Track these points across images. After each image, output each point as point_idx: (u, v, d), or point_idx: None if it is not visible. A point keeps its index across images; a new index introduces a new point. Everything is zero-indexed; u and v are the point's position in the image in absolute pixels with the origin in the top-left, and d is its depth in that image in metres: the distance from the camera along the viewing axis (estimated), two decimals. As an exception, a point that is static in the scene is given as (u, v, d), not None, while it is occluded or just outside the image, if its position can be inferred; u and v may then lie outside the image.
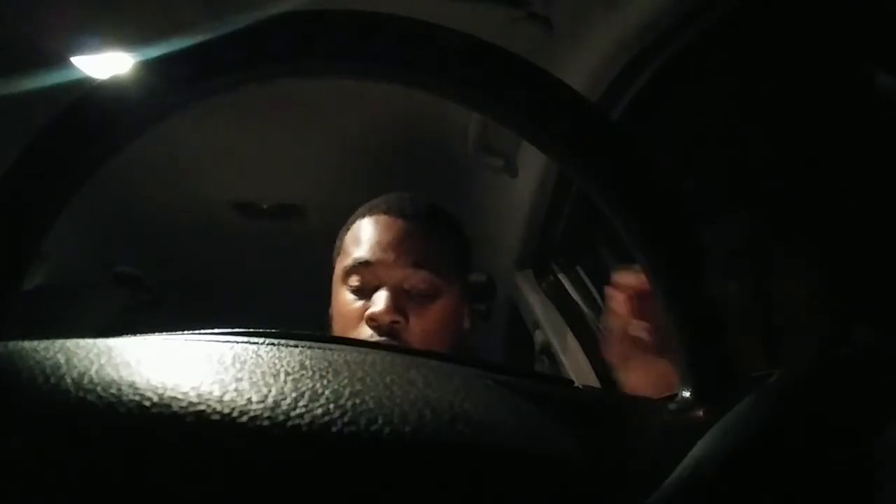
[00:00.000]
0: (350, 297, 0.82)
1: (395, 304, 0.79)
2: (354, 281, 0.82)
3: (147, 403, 0.22)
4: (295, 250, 1.47)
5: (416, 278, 0.81)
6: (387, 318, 0.78)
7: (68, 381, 0.22)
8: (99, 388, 0.22)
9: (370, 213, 0.86)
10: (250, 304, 1.66)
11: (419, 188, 0.95)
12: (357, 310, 0.81)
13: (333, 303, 0.86)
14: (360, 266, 0.81)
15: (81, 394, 0.22)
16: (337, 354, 0.30)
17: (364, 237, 0.84)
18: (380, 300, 0.79)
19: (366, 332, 0.79)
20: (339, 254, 0.88)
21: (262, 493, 0.21)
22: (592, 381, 0.96)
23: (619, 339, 0.63)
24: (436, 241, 0.85)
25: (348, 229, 0.88)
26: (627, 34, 0.85)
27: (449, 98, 0.33)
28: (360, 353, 0.31)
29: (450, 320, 0.84)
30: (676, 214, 0.31)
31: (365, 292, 0.81)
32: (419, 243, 0.83)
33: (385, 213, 0.85)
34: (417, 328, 0.80)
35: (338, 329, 0.83)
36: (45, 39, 0.97)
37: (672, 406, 0.31)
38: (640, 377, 0.62)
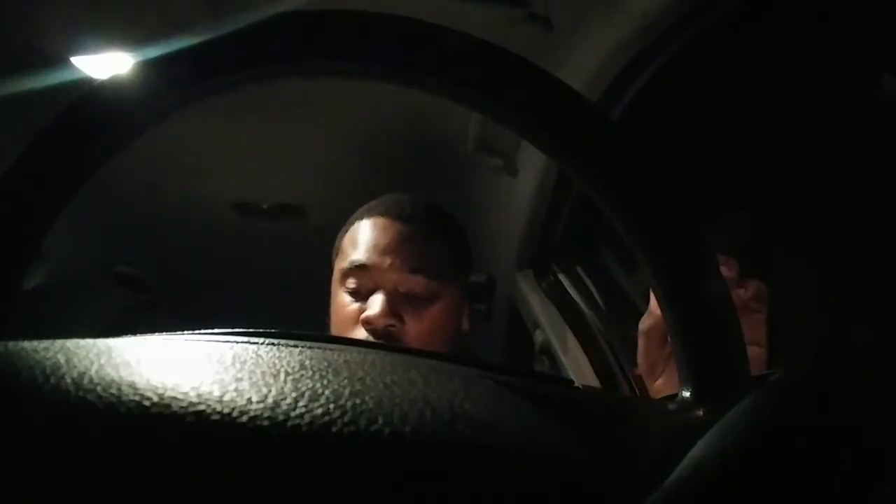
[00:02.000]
0: (347, 298, 0.82)
1: (391, 307, 0.79)
2: (351, 283, 0.82)
3: (147, 403, 0.22)
4: (295, 250, 1.47)
5: (412, 282, 0.81)
6: (381, 322, 0.78)
7: (68, 381, 0.22)
8: (99, 388, 0.22)
9: (368, 215, 0.86)
10: (250, 304, 1.66)
11: (419, 188, 0.95)
12: (353, 312, 0.81)
13: (331, 304, 0.86)
14: (357, 269, 0.82)
15: (81, 394, 0.22)
16: (337, 354, 0.30)
17: (361, 240, 0.84)
18: (375, 303, 0.79)
19: (361, 335, 0.79)
20: (337, 255, 0.88)
21: (262, 494, 0.21)
22: (592, 381, 0.96)
23: (653, 342, 0.60)
24: (434, 244, 0.84)
25: (346, 231, 0.88)
26: (627, 34, 0.85)
27: (449, 98, 0.33)
28: (360, 353, 0.31)
29: (447, 323, 0.84)
30: (676, 214, 0.31)
31: (361, 294, 0.82)
32: (416, 247, 0.82)
33: (383, 215, 0.85)
34: (414, 331, 0.80)
35: (335, 330, 0.84)
36: (45, 39, 0.97)
37: (672, 406, 0.31)
38: (670, 384, 0.58)
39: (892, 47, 0.67)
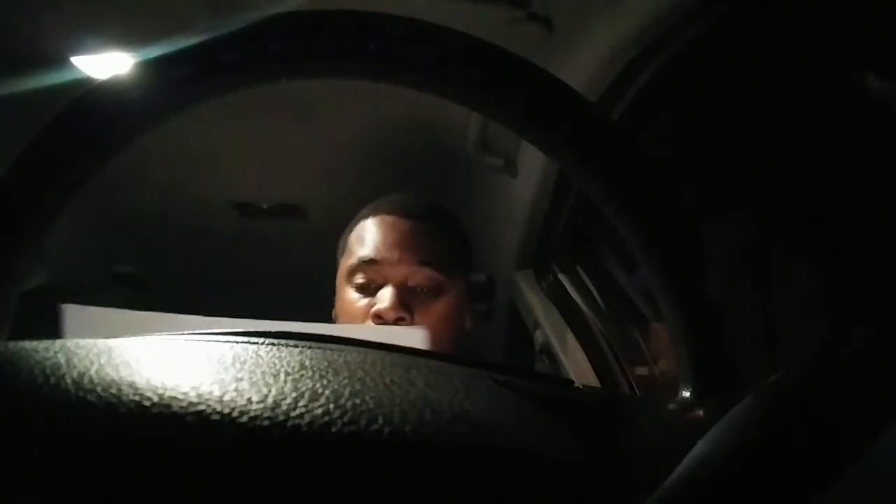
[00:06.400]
0: (355, 294, 0.84)
1: (401, 300, 0.81)
2: (359, 279, 0.83)
3: (147, 403, 0.22)
4: (295, 250, 1.47)
5: (421, 275, 0.83)
6: (392, 315, 0.79)
7: (68, 381, 0.22)
8: (99, 388, 0.22)
9: (374, 213, 0.88)
10: (250, 304, 1.66)
11: (419, 188, 0.96)
12: (362, 307, 0.82)
13: (338, 301, 0.87)
14: (365, 264, 0.83)
15: (81, 394, 0.22)
16: (337, 354, 0.30)
17: (368, 236, 0.86)
18: (385, 297, 0.80)
19: None
20: (343, 254, 0.90)
21: (262, 494, 0.21)
22: (592, 381, 0.96)
23: None
24: (440, 239, 0.86)
25: (352, 230, 0.89)
26: (627, 34, 0.85)
27: (449, 98, 0.33)
28: (360, 353, 0.31)
29: (453, 318, 0.86)
30: (676, 214, 0.31)
31: (370, 290, 0.83)
32: (423, 241, 0.84)
33: (389, 212, 0.87)
34: (421, 324, 0.81)
35: None
36: (45, 39, 0.97)
37: (672, 406, 0.31)
38: None
39: (890, 48, 0.67)
